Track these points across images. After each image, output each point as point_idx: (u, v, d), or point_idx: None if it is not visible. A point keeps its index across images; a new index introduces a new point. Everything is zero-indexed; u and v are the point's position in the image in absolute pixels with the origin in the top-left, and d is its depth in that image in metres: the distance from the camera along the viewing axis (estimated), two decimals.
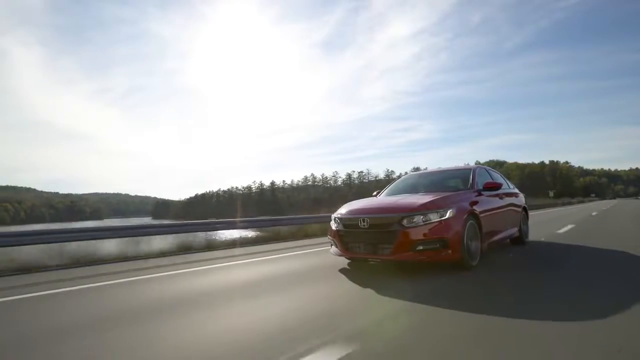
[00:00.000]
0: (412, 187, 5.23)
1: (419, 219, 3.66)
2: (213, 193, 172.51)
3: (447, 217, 3.69)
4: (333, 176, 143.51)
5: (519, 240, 5.77)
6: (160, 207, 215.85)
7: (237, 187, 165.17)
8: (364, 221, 3.93)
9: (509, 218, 5.30)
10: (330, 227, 4.41)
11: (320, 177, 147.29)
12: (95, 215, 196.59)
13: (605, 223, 10.00)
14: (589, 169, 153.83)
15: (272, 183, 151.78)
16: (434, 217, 3.67)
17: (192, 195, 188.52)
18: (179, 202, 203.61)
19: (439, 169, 5.68)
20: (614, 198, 66.74)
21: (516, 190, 6.13)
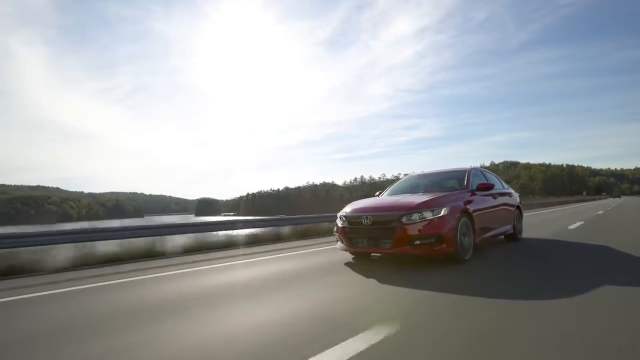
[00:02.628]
0: (412, 188, 5.66)
1: (416, 216, 4.10)
2: (264, 193, 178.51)
3: (441, 214, 4.11)
4: (379, 178, 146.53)
5: (513, 237, 6.15)
6: (203, 205, 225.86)
7: (287, 187, 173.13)
8: (367, 219, 4.39)
9: (502, 216, 5.68)
10: (337, 225, 4.86)
11: (369, 178, 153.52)
12: (137, 213, 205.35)
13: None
14: (596, 169, 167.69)
15: (325, 183, 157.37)
16: (430, 215, 4.10)
17: (244, 194, 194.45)
18: (229, 201, 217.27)
19: (437, 171, 6.08)
20: (619, 196, 70.14)
21: (510, 191, 6.49)
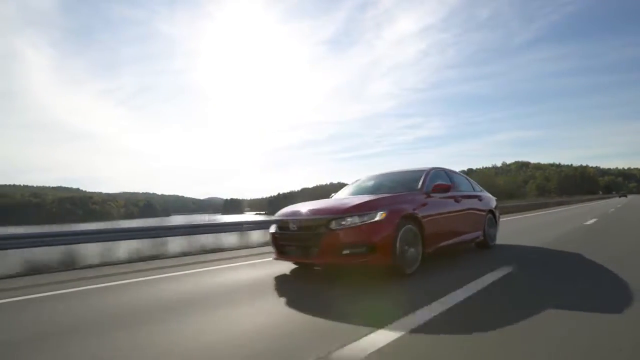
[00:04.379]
0: (367, 189, 5.09)
1: (347, 221, 3.54)
2: (297, 192, 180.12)
3: (376, 219, 3.54)
4: None
5: (484, 244, 5.53)
6: (229, 204, 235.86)
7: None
8: (294, 223, 3.87)
9: (467, 221, 5.06)
10: (270, 230, 4.34)
11: None
12: (164, 212, 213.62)
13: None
14: (604, 169, 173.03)
15: (340, 183, 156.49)
16: (362, 220, 3.53)
17: (275, 194, 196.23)
18: (259, 200, 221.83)
19: (397, 171, 5.48)
20: (625, 195, 71.23)
21: (481, 194, 5.85)
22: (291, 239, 3.89)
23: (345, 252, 3.48)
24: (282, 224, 4.06)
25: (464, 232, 4.96)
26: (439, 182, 4.57)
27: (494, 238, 5.79)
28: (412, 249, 3.79)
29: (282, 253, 4.02)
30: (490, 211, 5.81)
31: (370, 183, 5.35)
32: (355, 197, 4.30)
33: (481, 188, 6.17)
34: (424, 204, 4.21)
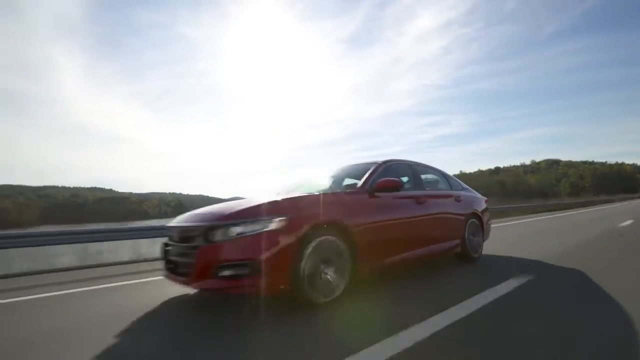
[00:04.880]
0: (310, 186, 4.06)
1: (230, 230, 2.54)
2: None
3: (269, 228, 2.52)
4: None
5: (464, 256, 4.36)
6: None
7: None
8: (177, 233, 2.91)
9: (436, 228, 3.95)
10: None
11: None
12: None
13: None
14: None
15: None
16: (251, 229, 2.52)
17: None
18: None
19: (355, 164, 4.38)
20: None
21: (463, 193, 4.66)
22: (173, 253, 2.93)
23: (224, 273, 2.48)
24: (167, 233, 3.12)
25: (431, 242, 3.84)
26: (387, 178, 3.46)
27: (478, 248, 4.58)
28: (330, 270, 2.74)
29: (167, 271, 3.05)
30: (474, 215, 4.62)
31: (323, 178, 4.29)
32: (267, 197, 3.26)
33: (466, 187, 5.00)
34: (362, 208, 3.15)
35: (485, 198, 5.18)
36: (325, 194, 3.08)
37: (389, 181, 3.36)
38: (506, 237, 7.23)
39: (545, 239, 6.62)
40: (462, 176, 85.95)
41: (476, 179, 79.18)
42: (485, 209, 4.98)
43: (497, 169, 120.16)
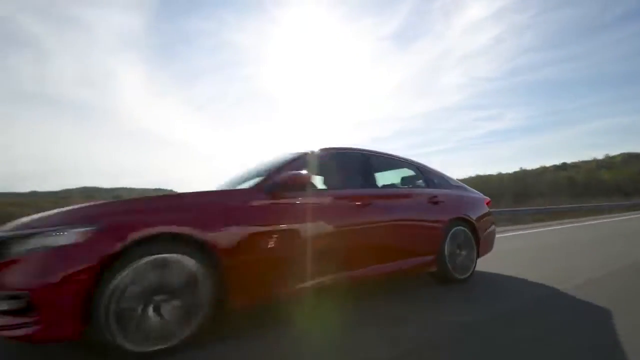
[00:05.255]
0: (238, 179, 3.19)
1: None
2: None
3: (58, 245, 1.70)
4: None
5: (442, 276, 3.18)
6: None
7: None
8: None
9: (388, 241, 2.83)
10: None
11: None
12: None
13: None
14: None
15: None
16: (21, 248, 1.70)
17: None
18: None
19: (283, 155, 3.35)
20: None
21: (443, 191, 3.43)
22: None
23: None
24: None
25: (379, 260, 2.76)
26: (293, 172, 2.46)
27: (467, 268, 3.32)
28: (169, 305, 1.86)
29: None
30: (463, 221, 3.40)
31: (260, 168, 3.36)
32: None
33: (459, 184, 3.80)
34: (241, 215, 2.16)
35: (487, 199, 3.93)
36: (180, 195, 2.19)
37: (294, 177, 2.37)
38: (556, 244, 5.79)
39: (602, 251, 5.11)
40: (524, 173, 78.84)
41: (539, 175, 72.32)
42: (485, 214, 3.74)
43: (564, 164, 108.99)
